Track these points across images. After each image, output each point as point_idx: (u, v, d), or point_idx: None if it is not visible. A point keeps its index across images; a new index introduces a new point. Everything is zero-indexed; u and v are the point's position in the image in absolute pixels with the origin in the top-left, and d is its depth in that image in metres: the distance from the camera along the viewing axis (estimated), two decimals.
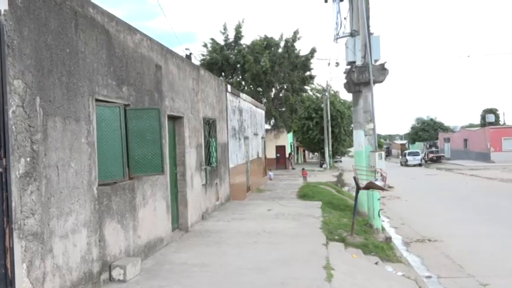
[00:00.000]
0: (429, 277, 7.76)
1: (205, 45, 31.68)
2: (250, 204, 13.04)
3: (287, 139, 38.89)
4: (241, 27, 31.35)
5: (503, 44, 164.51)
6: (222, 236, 8.62)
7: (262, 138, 21.30)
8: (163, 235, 7.79)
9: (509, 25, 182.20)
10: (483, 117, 55.89)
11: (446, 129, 65.18)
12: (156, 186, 7.58)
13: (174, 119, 9.00)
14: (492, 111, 56.49)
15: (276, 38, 31.34)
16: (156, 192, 7.55)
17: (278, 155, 37.62)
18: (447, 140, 57.33)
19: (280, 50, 31.04)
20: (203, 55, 31.26)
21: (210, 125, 11.36)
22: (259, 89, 31.18)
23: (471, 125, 63.59)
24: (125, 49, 6.58)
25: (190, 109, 9.65)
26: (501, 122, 55.29)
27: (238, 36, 31.40)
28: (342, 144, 46.06)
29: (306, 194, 16.26)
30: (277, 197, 15.52)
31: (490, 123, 50.17)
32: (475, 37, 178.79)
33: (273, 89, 32.28)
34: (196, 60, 28.69)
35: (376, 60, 11.18)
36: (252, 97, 21.81)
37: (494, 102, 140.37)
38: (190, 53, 16.15)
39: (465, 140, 50.16)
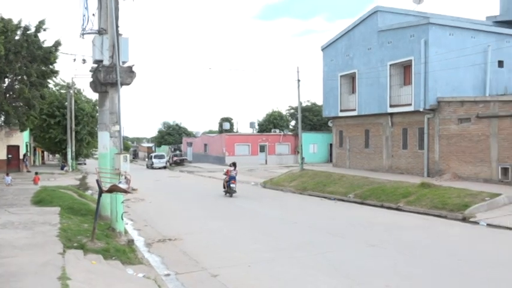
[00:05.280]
0: (168, 275, 8.12)
1: None
2: None
3: (22, 138, 34.59)
4: None
5: (238, 62, 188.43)
6: None
7: None
8: None
9: (242, 45, 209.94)
10: (221, 125, 62.46)
11: (189, 134, 69.78)
12: None
13: None
14: (228, 119, 63.73)
15: (15, 22, 27.43)
16: None
17: (10, 156, 33.10)
18: (190, 144, 61.66)
19: (18, 37, 27.34)
20: None
21: None
22: None
23: (211, 131, 70.02)
24: None
25: None
26: (235, 130, 62.93)
27: None
28: (84, 146, 43.61)
29: (42, 199, 14.81)
30: (6, 204, 13.62)
31: (226, 130, 56.50)
32: (215, 52, 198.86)
33: (6, 81, 28.19)
34: None
35: (124, 62, 11.11)
36: None
37: (230, 112, 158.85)
38: None
39: (205, 145, 55.01)
